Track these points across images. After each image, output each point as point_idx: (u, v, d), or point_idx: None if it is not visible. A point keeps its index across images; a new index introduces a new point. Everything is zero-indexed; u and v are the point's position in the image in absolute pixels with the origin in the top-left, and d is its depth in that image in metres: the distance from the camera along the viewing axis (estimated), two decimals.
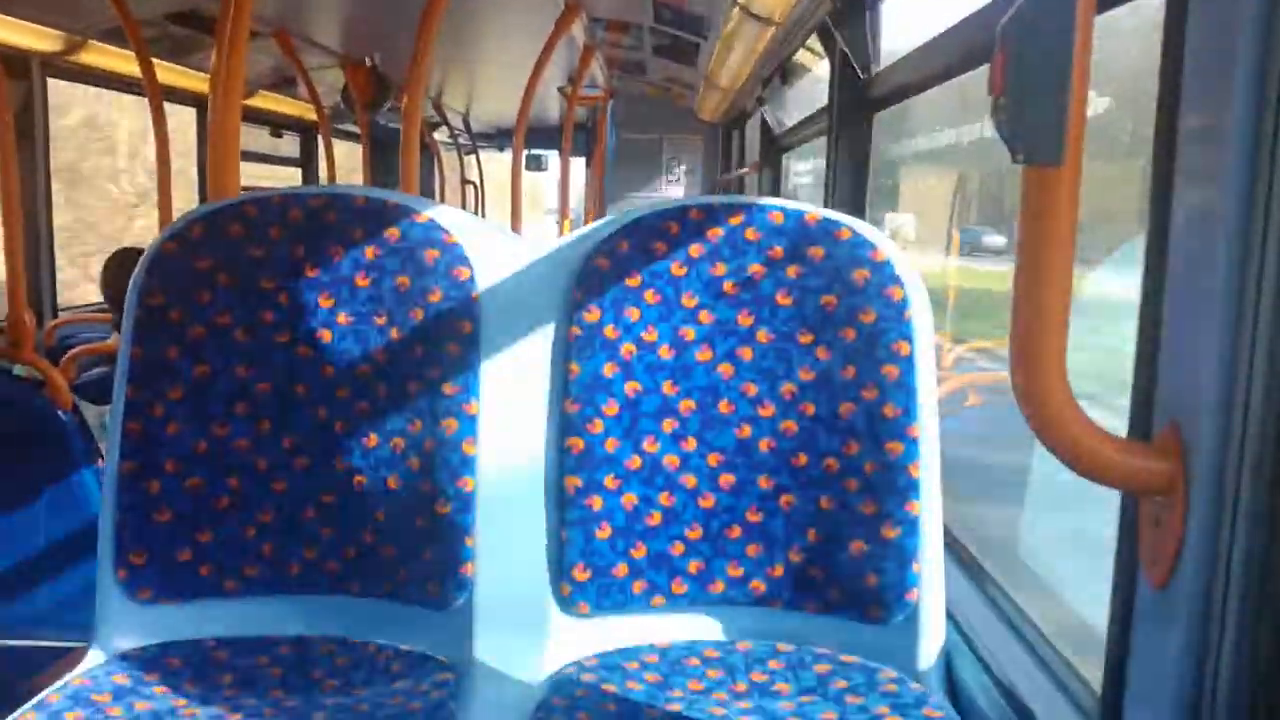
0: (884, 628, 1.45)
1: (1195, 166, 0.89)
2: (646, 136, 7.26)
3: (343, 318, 1.53)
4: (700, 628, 1.52)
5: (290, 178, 7.43)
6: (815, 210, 1.52)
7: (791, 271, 1.50)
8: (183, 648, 1.49)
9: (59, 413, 2.81)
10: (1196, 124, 0.90)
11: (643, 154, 7.30)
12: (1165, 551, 0.91)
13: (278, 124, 7.04)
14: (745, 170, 5.69)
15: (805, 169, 4.93)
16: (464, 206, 9.05)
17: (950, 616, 1.49)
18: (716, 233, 1.51)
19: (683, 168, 7.35)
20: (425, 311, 1.52)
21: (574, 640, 1.49)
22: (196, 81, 5.04)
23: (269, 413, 1.53)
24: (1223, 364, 0.85)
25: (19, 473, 2.79)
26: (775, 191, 4.84)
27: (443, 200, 8.38)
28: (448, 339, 1.51)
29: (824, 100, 3.17)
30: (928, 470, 1.44)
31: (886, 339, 1.45)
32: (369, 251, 1.54)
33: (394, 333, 1.52)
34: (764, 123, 4.85)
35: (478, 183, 9.67)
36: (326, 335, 1.53)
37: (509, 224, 5.19)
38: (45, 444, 2.78)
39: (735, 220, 1.51)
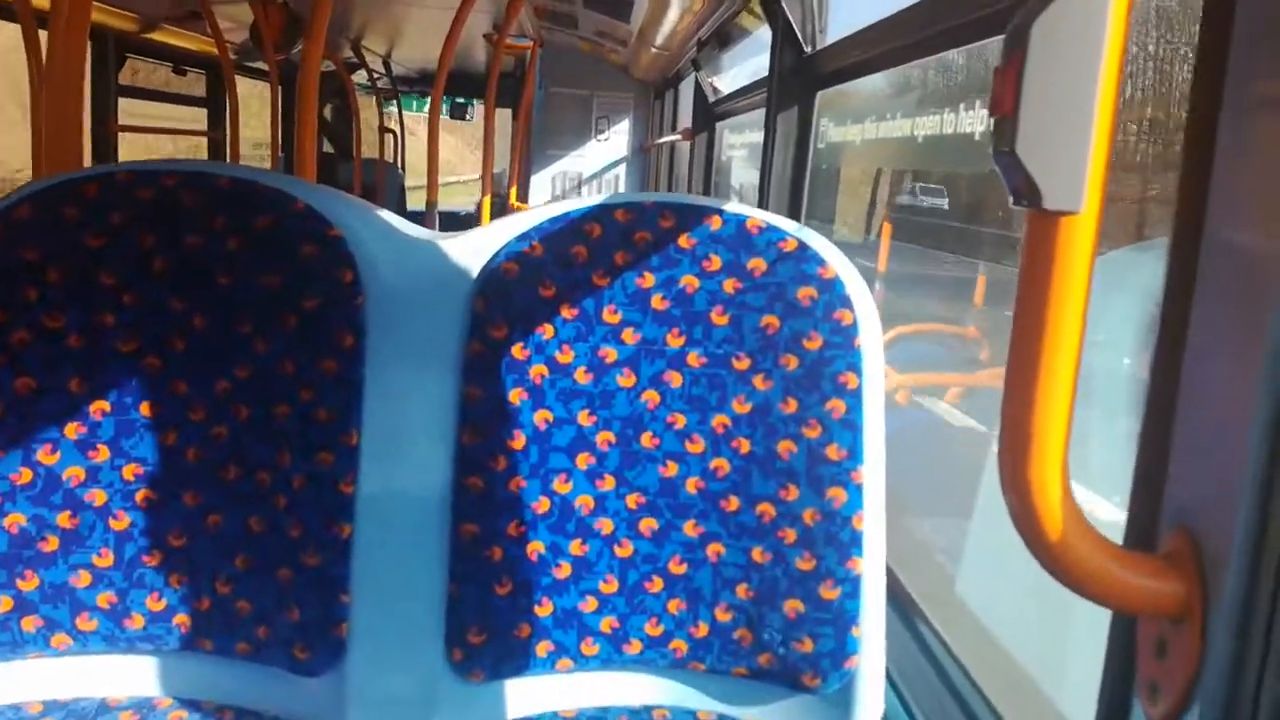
0: (817, 697, 1.29)
1: (1234, 187, 0.72)
2: (576, 92, 6.98)
3: (198, 323, 1.29)
4: (612, 693, 1.34)
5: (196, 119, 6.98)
6: (758, 215, 1.32)
7: (728, 286, 1.30)
8: (1, 714, 1.26)
9: None
10: (1234, 136, 0.72)
11: (572, 110, 7.02)
12: (1172, 685, 0.75)
13: (181, 60, 6.57)
14: (677, 136, 5.47)
15: (740, 141, 4.72)
16: (382, 157, 8.64)
17: (890, 680, 1.34)
18: (645, 238, 1.31)
19: (614, 127, 7.08)
20: (298, 319, 1.29)
21: (466, 712, 1.29)
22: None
23: (107, 437, 1.29)
24: (1254, 458, 0.69)
25: None
26: (708, 162, 4.64)
27: (359, 150, 7.98)
28: (324, 354, 1.28)
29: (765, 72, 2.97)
30: (873, 522, 1.27)
31: (833, 369, 1.27)
32: (232, 243, 1.29)
33: (259, 344, 1.29)
34: (698, 88, 4.63)
35: (397, 131, 9.25)
36: (179, 344, 1.29)
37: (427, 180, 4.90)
38: None
39: (667, 224, 1.31)
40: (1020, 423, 0.72)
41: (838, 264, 1.30)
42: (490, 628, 1.28)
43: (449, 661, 1.28)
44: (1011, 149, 0.67)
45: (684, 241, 1.31)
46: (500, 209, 5.99)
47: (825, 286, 1.28)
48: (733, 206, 1.33)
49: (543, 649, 1.29)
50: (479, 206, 5.52)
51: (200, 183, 1.30)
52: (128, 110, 5.84)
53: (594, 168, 7.09)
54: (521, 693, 1.31)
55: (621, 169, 7.11)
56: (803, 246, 1.30)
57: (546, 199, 6.95)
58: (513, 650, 1.29)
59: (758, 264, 1.30)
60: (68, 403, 1.28)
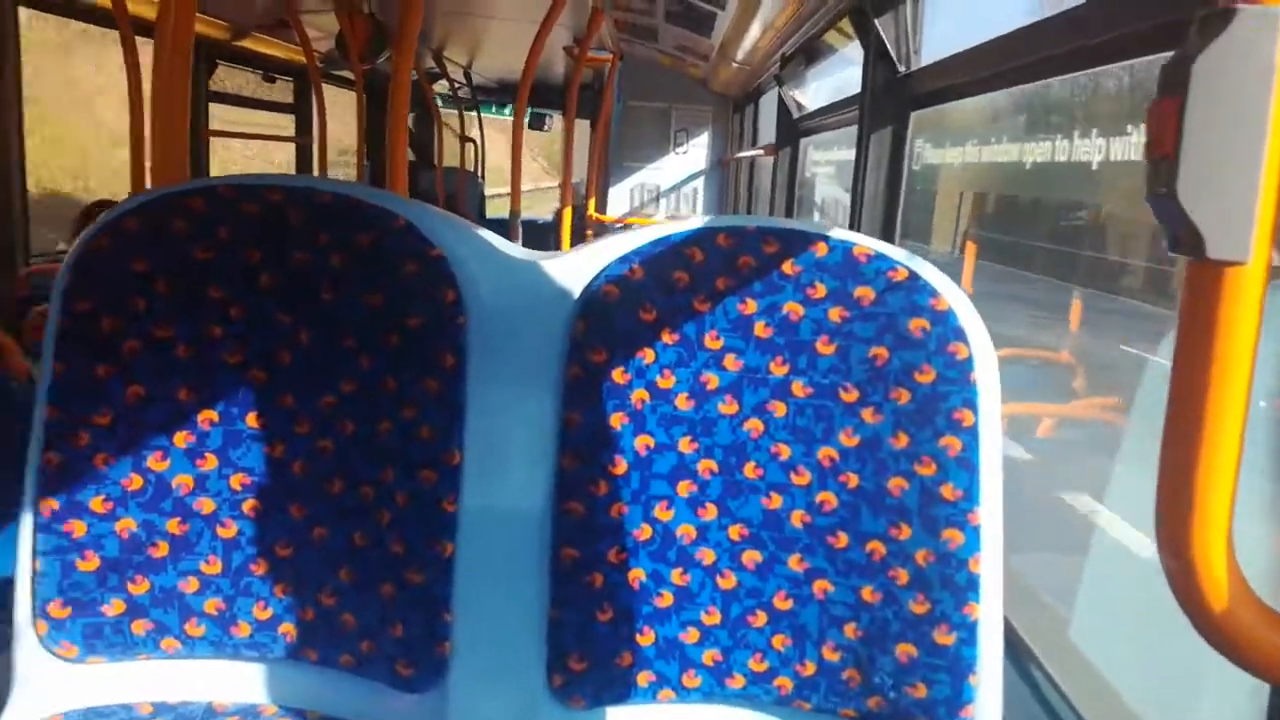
0: None
1: None
2: (655, 105, 6.97)
3: (304, 338, 1.30)
4: None
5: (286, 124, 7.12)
6: (866, 243, 1.29)
7: (835, 315, 1.27)
8: (112, 714, 1.28)
9: (11, 385, 2.45)
10: None
11: (650, 123, 7.01)
12: None
13: (269, 68, 6.72)
14: (758, 152, 5.43)
15: (825, 159, 4.66)
16: (462, 165, 8.74)
17: None
18: (748, 263, 1.28)
19: (692, 140, 7.06)
20: (401, 337, 1.29)
21: None
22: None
23: (215, 446, 1.30)
24: None
25: None
26: (791, 178, 4.59)
27: (441, 159, 8.08)
28: (427, 373, 1.28)
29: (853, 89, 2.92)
30: (990, 566, 1.22)
31: (947, 405, 1.23)
32: (336, 259, 1.30)
33: (364, 360, 1.29)
34: (782, 103, 4.59)
35: (478, 140, 9.35)
36: (285, 358, 1.30)
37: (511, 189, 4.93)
38: None
39: (770, 249, 1.28)
40: (1181, 483, 0.68)
41: (950, 295, 1.26)
42: (591, 655, 1.26)
43: (549, 687, 1.27)
44: (1171, 191, 0.64)
45: (788, 268, 1.28)
46: (579, 219, 6.01)
47: (938, 318, 1.24)
48: (839, 233, 1.30)
49: (644, 679, 1.27)
50: (557, 215, 5.54)
51: (304, 198, 1.31)
52: (217, 116, 5.99)
53: (672, 180, 7.08)
54: None
55: (700, 182, 7.08)
56: (914, 276, 1.26)
57: (625, 211, 6.95)
58: (614, 679, 1.27)
59: (865, 293, 1.26)
60: (176, 411, 1.29)
